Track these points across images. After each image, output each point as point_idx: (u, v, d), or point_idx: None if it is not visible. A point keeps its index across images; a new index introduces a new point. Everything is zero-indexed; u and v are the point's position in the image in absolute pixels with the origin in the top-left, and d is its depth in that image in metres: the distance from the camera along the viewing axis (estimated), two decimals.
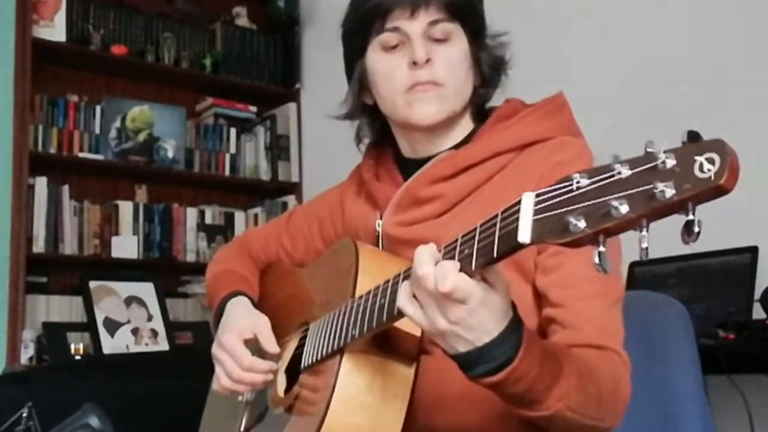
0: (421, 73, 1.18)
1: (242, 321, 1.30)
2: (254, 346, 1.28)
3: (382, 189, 1.28)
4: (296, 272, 1.42)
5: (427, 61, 1.18)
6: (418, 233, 1.19)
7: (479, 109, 1.28)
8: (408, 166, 1.27)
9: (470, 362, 0.88)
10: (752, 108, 2.31)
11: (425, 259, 0.86)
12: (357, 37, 1.24)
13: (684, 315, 1.43)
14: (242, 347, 1.26)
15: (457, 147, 1.24)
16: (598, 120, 1.60)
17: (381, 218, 1.27)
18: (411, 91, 1.19)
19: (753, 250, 2.14)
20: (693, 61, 2.45)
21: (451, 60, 1.20)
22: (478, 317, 0.84)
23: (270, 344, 1.26)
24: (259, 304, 1.40)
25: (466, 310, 0.84)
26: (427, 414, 1.11)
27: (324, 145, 3.69)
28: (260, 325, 1.28)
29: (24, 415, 1.88)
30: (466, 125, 1.26)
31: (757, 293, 2.03)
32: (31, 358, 2.98)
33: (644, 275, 2.27)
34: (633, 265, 2.27)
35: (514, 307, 0.89)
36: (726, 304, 2.11)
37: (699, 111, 2.39)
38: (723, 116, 2.34)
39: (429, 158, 1.25)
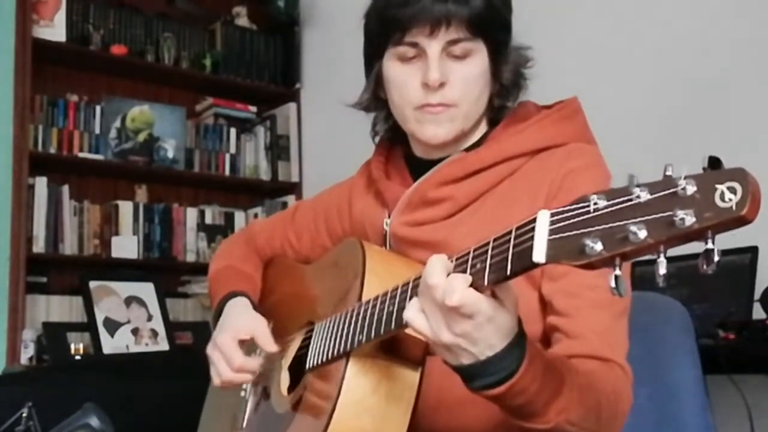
0: (433, 96, 1.16)
1: (239, 322, 1.30)
2: (250, 347, 1.27)
3: (392, 188, 1.27)
4: (301, 269, 1.41)
5: (441, 84, 1.16)
6: (426, 234, 1.19)
7: (495, 116, 1.26)
8: (418, 166, 1.26)
9: (472, 375, 0.88)
10: (754, 110, 2.31)
11: (436, 269, 0.85)
12: (376, 39, 1.22)
13: (684, 315, 1.43)
14: (235, 347, 1.25)
15: (469, 149, 1.23)
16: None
17: (389, 217, 1.26)
18: (421, 110, 1.18)
19: (753, 250, 2.13)
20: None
21: (467, 79, 1.17)
22: (483, 333, 0.84)
23: (269, 345, 1.26)
24: (261, 299, 1.40)
25: (472, 324, 0.83)
26: (431, 417, 1.11)
27: (324, 145, 3.69)
28: (258, 327, 1.28)
29: (24, 415, 1.88)
30: (480, 129, 1.25)
31: (757, 293, 2.03)
32: (31, 358, 2.98)
33: (644, 275, 2.27)
34: (633, 265, 2.27)
35: (519, 321, 0.88)
36: (726, 304, 2.11)
37: (703, 110, 2.39)
38: (724, 116, 2.34)
39: (440, 159, 1.24)
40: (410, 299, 0.93)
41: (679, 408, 1.37)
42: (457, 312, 0.83)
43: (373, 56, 1.24)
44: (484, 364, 0.86)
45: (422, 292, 0.87)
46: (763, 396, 2.10)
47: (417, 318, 0.88)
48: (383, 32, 1.19)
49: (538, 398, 0.90)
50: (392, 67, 1.20)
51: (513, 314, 0.86)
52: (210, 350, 1.29)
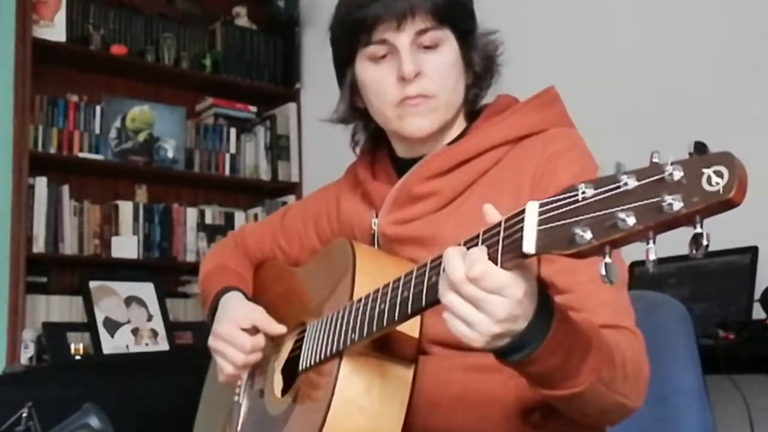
0: (411, 87, 1.17)
1: (236, 313, 1.30)
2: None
3: (378, 187, 1.27)
4: (291, 271, 1.41)
5: (417, 75, 1.16)
6: (414, 231, 1.19)
7: (472, 108, 1.27)
8: (403, 165, 1.27)
9: (513, 349, 0.85)
10: (753, 108, 2.31)
11: (457, 265, 0.82)
12: (344, 46, 1.23)
13: (684, 315, 1.43)
14: (240, 332, 1.25)
15: (451, 144, 1.23)
16: (605, 127, 1.60)
17: (376, 217, 1.26)
18: (401, 105, 1.18)
19: (753, 250, 2.13)
20: (696, 66, 2.45)
21: (441, 68, 1.18)
22: (523, 306, 0.82)
23: (272, 327, 1.27)
24: (252, 301, 1.40)
25: (511, 303, 0.81)
26: (425, 415, 1.11)
27: (324, 145, 3.69)
28: (257, 314, 1.28)
29: (24, 415, 1.88)
30: (459, 124, 1.26)
31: (757, 293, 2.03)
32: (31, 358, 2.98)
33: (644, 275, 2.27)
34: (633, 265, 2.27)
35: (540, 282, 0.86)
36: (726, 304, 2.11)
37: (696, 104, 2.39)
38: (723, 114, 2.34)
39: (422, 157, 1.24)
40: (402, 296, 0.94)
41: (679, 408, 1.37)
42: (495, 293, 0.80)
43: (344, 65, 1.25)
44: (522, 336, 0.84)
45: (459, 290, 0.83)
46: (763, 396, 2.10)
47: (459, 327, 0.84)
48: (350, 37, 1.20)
49: (573, 355, 0.88)
50: (365, 70, 1.21)
51: (533, 275, 0.84)
52: (213, 342, 1.29)
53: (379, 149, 1.33)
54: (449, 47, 1.19)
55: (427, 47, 1.17)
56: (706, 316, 2.05)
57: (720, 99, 2.37)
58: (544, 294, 0.86)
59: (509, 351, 0.85)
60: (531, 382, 0.91)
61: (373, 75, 1.20)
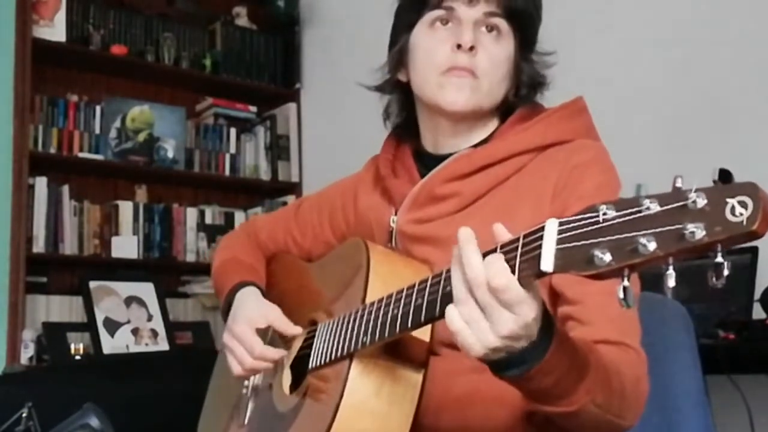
0: (462, 57, 1.19)
1: (252, 311, 1.30)
2: (264, 336, 1.28)
3: (399, 185, 1.28)
4: (304, 267, 1.41)
5: (471, 48, 1.18)
6: (432, 231, 1.19)
7: (506, 114, 1.27)
8: (426, 162, 1.27)
9: (509, 365, 0.86)
10: (752, 109, 2.31)
11: (477, 265, 0.82)
12: (410, 10, 1.25)
13: (684, 315, 1.43)
14: (253, 335, 1.25)
15: (476, 146, 1.24)
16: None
17: (396, 214, 1.26)
18: (447, 74, 1.20)
19: (753, 250, 2.13)
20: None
21: (495, 56, 1.20)
22: (528, 329, 0.82)
23: (288, 327, 1.27)
24: (267, 296, 1.40)
25: (516, 321, 0.81)
26: (433, 416, 1.11)
27: (324, 145, 3.69)
28: (273, 314, 1.28)
29: (24, 415, 1.88)
30: (490, 126, 1.26)
31: (757, 293, 2.03)
32: (31, 358, 2.98)
33: (644, 275, 2.27)
34: None
35: (543, 304, 0.87)
36: (726, 304, 2.11)
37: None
38: (721, 112, 2.34)
39: (448, 155, 1.24)
40: (416, 303, 0.93)
41: (679, 408, 1.37)
42: (508, 309, 0.80)
43: (402, 31, 1.27)
44: (520, 354, 0.84)
45: (474, 291, 0.83)
46: (763, 396, 2.09)
47: (462, 331, 0.84)
48: (419, 1, 1.22)
49: (568, 376, 0.88)
50: (423, 33, 1.23)
51: (540, 298, 0.84)
52: (227, 340, 1.29)
53: (404, 144, 1.33)
54: (507, 42, 1.22)
55: (488, 29, 1.20)
56: (706, 316, 2.05)
57: (732, 107, 2.37)
58: (546, 315, 0.86)
59: (505, 366, 0.86)
60: (525, 395, 0.92)
61: (430, 39, 1.22)
